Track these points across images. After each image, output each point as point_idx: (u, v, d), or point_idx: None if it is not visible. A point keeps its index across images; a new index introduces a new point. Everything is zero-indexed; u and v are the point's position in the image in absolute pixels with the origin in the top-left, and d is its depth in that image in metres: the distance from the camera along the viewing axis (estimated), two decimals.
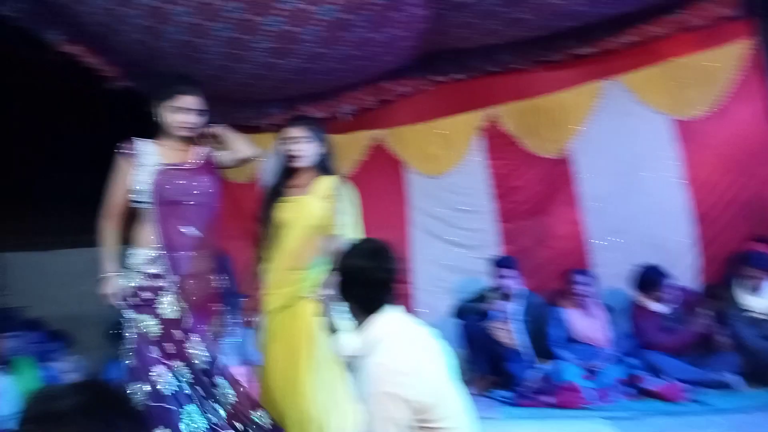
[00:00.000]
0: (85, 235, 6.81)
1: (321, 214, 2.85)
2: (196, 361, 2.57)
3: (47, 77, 4.51)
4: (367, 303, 1.80)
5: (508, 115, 5.23)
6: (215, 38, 4.18)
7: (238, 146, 2.89)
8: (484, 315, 4.56)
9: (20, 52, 4.01)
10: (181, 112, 2.71)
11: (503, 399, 4.18)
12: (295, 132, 2.93)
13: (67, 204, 6.44)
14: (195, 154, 2.81)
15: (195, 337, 2.60)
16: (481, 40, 4.87)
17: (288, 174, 2.97)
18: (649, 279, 4.33)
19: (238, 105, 5.57)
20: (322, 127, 3.02)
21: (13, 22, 3.57)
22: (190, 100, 2.73)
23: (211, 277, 2.75)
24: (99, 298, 2.75)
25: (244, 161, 2.97)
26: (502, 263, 4.63)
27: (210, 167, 2.83)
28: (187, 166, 2.76)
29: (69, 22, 3.95)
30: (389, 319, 1.80)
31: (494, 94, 5.25)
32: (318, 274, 2.77)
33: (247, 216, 5.56)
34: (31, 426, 1.00)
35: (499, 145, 5.25)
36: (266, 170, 5.68)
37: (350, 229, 2.83)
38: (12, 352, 3.45)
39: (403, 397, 1.65)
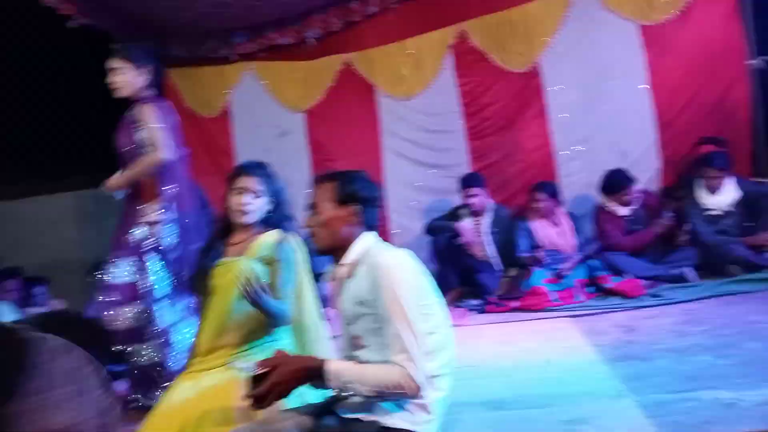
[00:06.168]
0: (57, 181, 6.87)
1: (255, 280, 2.27)
2: None
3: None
4: (372, 221, 1.93)
5: (477, 30, 5.18)
6: None
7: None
8: (454, 231, 4.67)
9: None
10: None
11: (473, 307, 4.34)
12: (248, 183, 2.41)
13: (38, 150, 6.47)
14: None
15: None
16: None
17: (227, 229, 2.49)
18: (615, 182, 4.43)
19: (204, 36, 5.54)
20: (275, 175, 2.51)
21: None
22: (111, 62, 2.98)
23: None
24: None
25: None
26: (469, 181, 4.71)
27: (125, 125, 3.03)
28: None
29: None
30: (375, 237, 1.93)
31: (463, 10, 5.19)
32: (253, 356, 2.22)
33: (219, 150, 5.70)
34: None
35: (469, 62, 5.23)
36: (236, 102, 5.73)
37: (291, 299, 2.38)
38: None
39: (418, 286, 1.80)
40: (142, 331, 2.86)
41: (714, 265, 4.09)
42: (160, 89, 3.17)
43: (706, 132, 4.57)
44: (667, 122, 4.72)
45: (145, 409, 2.44)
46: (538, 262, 4.33)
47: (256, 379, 1.71)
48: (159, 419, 2.19)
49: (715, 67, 4.62)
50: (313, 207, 1.94)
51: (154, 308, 2.87)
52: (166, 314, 2.90)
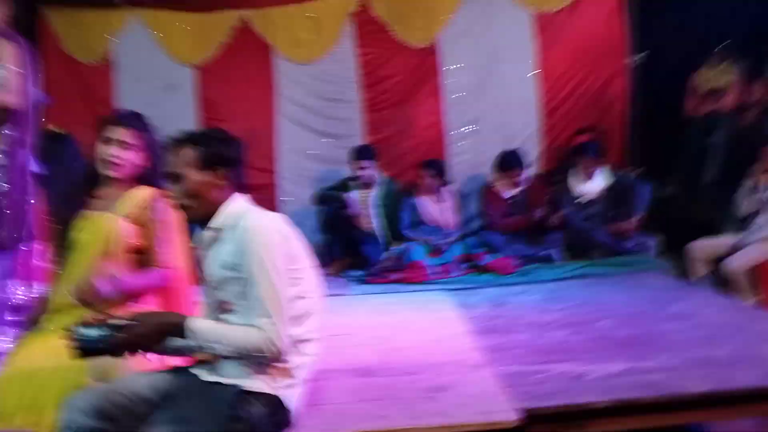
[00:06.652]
0: None
1: (119, 238, 2.19)
2: None
3: None
4: (241, 180, 1.87)
5: (380, 0, 5.15)
6: None
7: None
8: (343, 202, 4.68)
9: None
10: None
11: (355, 277, 4.39)
12: (119, 134, 2.24)
13: None
14: None
15: None
16: None
17: (95, 180, 2.31)
18: (507, 161, 4.64)
19: None
20: (155, 132, 2.33)
21: None
22: None
23: None
24: None
25: None
26: (361, 153, 4.73)
27: None
28: None
29: None
30: (245, 199, 1.88)
31: None
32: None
33: (98, 100, 5.30)
34: None
35: (370, 32, 5.20)
36: (120, 50, 5.33)
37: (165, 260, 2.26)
38: None
39: (287, 250, 1.77)
40: None
41: (579, 248, 4.41)
42: (22, 27, 2.85)
43: (586, 122, 4.89)
44: (551, 110, 4.99)
45: None
46: (425, 243, 4.46)
47: (118, 329, 1.65)
48: (6, 384, 2.02)
49: (598, 60, 4.93)
50: (175, 176, 1.82)
51: None
52: None
